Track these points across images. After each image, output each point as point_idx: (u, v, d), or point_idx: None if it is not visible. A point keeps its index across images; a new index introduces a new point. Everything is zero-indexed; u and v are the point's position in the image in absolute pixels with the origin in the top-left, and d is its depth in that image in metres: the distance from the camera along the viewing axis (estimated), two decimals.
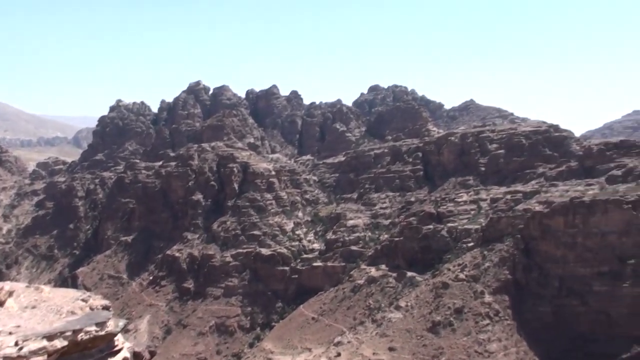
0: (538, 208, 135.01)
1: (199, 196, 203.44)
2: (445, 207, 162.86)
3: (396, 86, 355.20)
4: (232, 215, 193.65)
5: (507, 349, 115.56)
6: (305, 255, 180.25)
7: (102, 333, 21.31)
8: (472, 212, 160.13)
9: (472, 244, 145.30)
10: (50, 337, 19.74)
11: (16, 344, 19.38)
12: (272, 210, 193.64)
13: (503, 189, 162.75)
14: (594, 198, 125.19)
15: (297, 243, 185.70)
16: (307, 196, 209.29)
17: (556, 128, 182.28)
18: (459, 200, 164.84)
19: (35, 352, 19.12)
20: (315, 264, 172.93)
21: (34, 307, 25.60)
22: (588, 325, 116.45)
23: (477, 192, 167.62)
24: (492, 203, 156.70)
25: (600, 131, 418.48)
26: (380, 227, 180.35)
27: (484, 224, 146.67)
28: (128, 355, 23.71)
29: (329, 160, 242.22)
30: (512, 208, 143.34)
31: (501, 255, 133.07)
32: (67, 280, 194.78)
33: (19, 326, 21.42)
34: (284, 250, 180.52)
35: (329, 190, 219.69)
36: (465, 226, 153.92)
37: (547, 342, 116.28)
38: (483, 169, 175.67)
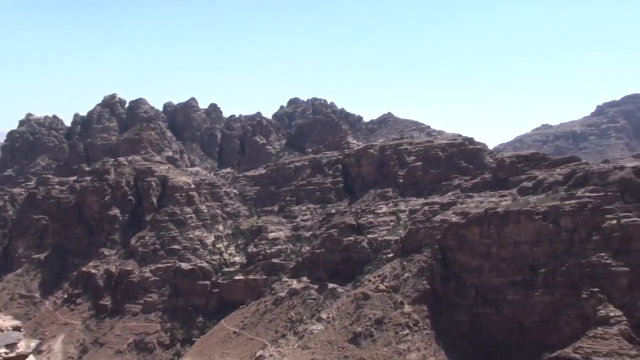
0: (454, 219, 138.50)
1: (115, 211, 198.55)
2: (365, 218, 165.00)
3: (315, 99, 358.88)
4: (150, 229, 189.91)
5: (425, 358, 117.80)
6: (226, 269, 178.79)
7: (13, 355, 20.63)
8: (392, 223, 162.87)
9: (391, 254, 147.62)
10: None
11: None
12: (192, 224, 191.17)
13: (421, 201, 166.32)
14: (507, 209, 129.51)
15: (218, 256, 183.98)
16: (228, 209, 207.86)
17: (471, 141, 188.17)
18: (379, 211, 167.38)
19: None
20: (236, 278, 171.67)
21: None
22: (502, 333, 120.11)
23: (396, 203, 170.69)
24: (411, 214, 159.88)
25: (512, 144, 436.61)
26: (301, 239, 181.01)
27: (402, 235, 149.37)
28: None
29: (250, 173, 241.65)
30: (430, 219, 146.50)
31: (420, 265, 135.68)
32: None
33: None
34: (205, 264, 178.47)
35: (249, 203, 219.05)
36: (385, 237, 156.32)
37: (464, 350, 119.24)
38: (401, 180, 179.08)
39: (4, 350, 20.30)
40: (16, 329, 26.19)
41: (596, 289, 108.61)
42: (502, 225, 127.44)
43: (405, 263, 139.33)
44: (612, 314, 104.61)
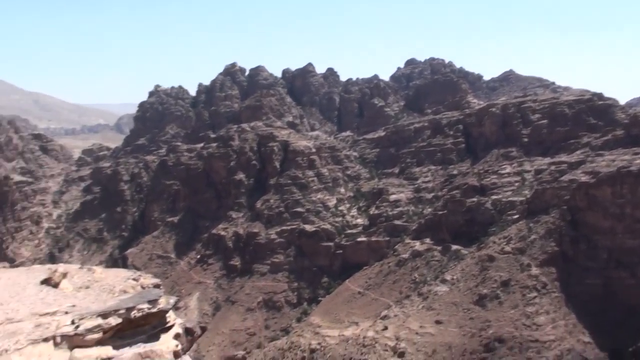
0: (584, 178, 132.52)
1: (241, 176, 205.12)
2: (488, 179, 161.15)
3: (433, 59, 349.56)
4: (274, 193, 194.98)
5: (555, 321, 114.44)
6: (349, 231, 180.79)
7: (155, 310, 21.89)
8: (516, 183, 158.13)
9: (517, 216, 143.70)
10: (104, 315, 20.39)
11: (72, 322, 20.09)
12: (314, 187, 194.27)
13: (547, 160, 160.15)
14: None
15: (340, 219, 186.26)
16: (349, 172, 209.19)
17: (600, 96, 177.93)
18: (503, 172, 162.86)
19: (91, 330, 19.78)
20: (359, 239, 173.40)
21: (87, 287, 26.43)
22: (638, 298, 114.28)
23: (521, 163, 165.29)
24: (537, 174, 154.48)
25: None
26: (423, 201, 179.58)
27: (528, 196, 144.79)
28: (180, 331, 24.33)
29: (369, 136, 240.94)
30: (557, 179, 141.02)
31: (547, 227, 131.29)
32: (117, 262, 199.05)
33: (74, 305, 22.17)
34: (328, 226, 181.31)
35: (370, 166, 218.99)
36: (510, 198, 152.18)
37: (597, 314, 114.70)
38: (526, 140, 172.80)
39: (146, 305, 21.60)
40: (156, 286, 27.86)
41: None
42: (636, 185, 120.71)
43: (531, 225, 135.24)
44: None
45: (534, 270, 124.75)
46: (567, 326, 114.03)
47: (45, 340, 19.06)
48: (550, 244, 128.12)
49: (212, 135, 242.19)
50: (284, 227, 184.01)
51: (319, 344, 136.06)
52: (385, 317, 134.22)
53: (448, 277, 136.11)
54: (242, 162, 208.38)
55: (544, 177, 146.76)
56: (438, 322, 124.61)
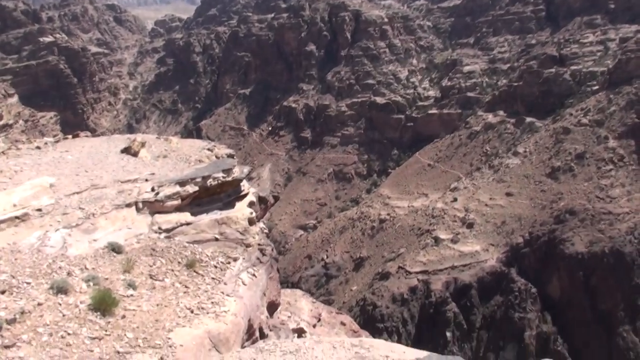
0: None
1: (312, 47, 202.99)
2: (569, 49, 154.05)
3: None
4: (345, 65, 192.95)
5: (630, 194, 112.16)
6: (420, 103, 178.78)
7: (229, 179, 22.74)
8: (599, 53, 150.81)
9: (597, 87, 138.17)
10: (182, 183, 21.32)
11: (152, 189, 21.12)
12: (385, 59, 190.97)
13: (634, 27, 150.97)
14: None
15: (411, 91, 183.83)
16: (422, 43, 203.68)
17: None
18: (585, 41, 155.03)
19: (170, 197, 20.80)
20: (430, 112, 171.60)
21: (165, 157, 27.52)
22: None
23: (605, 31, 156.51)
24: (621, 43, 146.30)
25: None
26: (498, 72, 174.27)
27: (611, 66, 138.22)
28: (254, 199, 25.29)
29: (444, 4, 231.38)
30: None
31: (629, 98, 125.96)
32: (192, 132, 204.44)
33: (153, 173, 23.22)
34: (399, 99, 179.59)
35: (444, 36, 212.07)
36: (590, 69, 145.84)
37: None
38: (612, 6, 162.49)
39: (221, 174, 22.41)
40: (230, 156, 28.76)
41: None
42: None
43: (612, 96, 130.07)
44: None
45: (612, 143, 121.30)
46: None
47: (128, 205, 20.21)
48: (631, 115, 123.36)
49: (283, 5, 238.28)
50: (355, 100, 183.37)
51: (388, 214, 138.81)
52: (454, 189, 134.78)
53: (520, 150, 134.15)
54: (313, 32, 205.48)
55: (629, 46, 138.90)
56: (508, 194, 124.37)
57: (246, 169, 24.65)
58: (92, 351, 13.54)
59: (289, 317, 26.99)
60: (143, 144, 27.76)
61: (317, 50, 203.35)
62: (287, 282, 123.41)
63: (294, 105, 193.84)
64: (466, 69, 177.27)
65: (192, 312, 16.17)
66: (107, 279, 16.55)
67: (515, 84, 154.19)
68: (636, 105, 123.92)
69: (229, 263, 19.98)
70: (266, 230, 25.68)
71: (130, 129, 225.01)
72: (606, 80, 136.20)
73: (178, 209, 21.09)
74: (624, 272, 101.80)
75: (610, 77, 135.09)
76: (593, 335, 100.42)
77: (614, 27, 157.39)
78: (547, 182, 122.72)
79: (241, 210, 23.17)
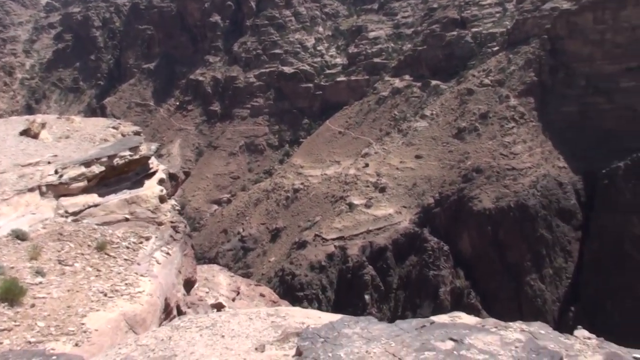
0: (566, 6, 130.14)
1: (216, 17, 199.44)
2: (469, 11, 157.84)
3: None
4: (251, 35, 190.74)
5: (532, 149, 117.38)
6: (328, 71, 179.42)
7: (137, 157, 22.21)
8: (497, 15, 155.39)
9: (497, 48, 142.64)
10: (87, 164, 20.65)
11: (56, 172, 20.36)
12: (291, 27, 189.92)
13: None
14: None
15: (319, 59, 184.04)
16: (327, 10, 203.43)
17: None
18: (484, 3, 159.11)
19: (75, 179, 20.12)
20: (338, 79, 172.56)
21: (67, 137, 26.52)
22: (613, 122, 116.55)
23: None
24: (518, 4, 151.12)
25: None
26: (402, 37, 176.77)
27: (509, 27, 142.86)
28: (164, 176, 24.82)
29: None
30: (539, 7, 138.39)
31: (527, 57, 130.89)
32: (95, 111, 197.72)
33: (56, 155, 22.36)
34: (307, 67, 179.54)
35: (348, 2, 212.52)
36: (490, 30, 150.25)
37: (572, 141, 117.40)
38: None
39: (128, 152, 21.85)
40: (136, 134, 28.02)
41: None
42: (618, 9, 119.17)
43: (511, 56, 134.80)
44: None
45: (513, 101, 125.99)
46: (544, 153, 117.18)
47: (31, 190, 19.42)
48: (530, 74, 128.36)
49: None
50: (263, 70, 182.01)
51: (302, 183, 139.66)
52: (366, 155, 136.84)
53: (427, 113, 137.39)
54: (217, 3, 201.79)
55: (525, 7, 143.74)
56: (418, 157, 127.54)
57: (154, 146, 24.16)
58: (1, 343, 13.08)
59: (207, 292, 26.86)
60: (43, 125, 26.64)
61: (222, 20, 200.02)
62: (204, 258, 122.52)
63: (201, 78, 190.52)
64: (371, 35, 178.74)
65: (105, 295, 15.82)
66: (12, 267, 15.95)
67: (420, 48, 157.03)
68: (534, 64, 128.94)
69: (141, 243, 19.61)
70: (178, 207, 25.31)
71: (29, 110, 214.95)
72: (505, 40, 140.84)
73: (85, 190, 20.46)
74: (529, 224, 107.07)
75: (509, 37, 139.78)
76: (503, 287, 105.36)
77: None
78: (454, 142, 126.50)
79: (151, 189, 22.73)
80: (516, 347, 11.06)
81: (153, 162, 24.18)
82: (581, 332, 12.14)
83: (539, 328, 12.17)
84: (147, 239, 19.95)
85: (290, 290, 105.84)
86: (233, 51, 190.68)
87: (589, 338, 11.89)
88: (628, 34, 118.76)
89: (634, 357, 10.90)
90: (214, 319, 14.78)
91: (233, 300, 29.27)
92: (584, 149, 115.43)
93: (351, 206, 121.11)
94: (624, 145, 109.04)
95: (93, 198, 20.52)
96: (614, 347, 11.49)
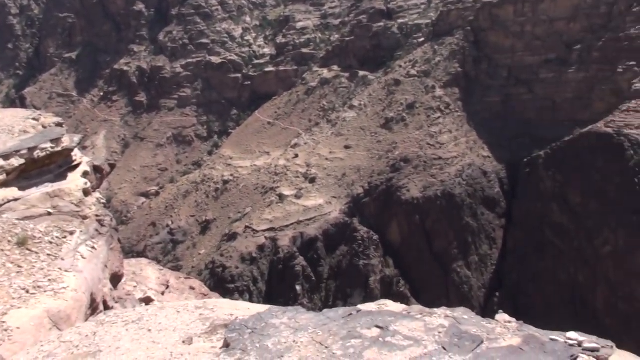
0: None
1: (140, 6, 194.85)
2: (395, 2, 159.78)
3: None
4: (177, 24, 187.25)
5: (457, 139, 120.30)
6: (256, 61, 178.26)
7: (58, 149, 21.46)
8: (423, 6, 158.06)
9: (422, 39, 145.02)
10: (6, 157, 19.83)
11: None
12: (218, 17, 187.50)
13: None
14: None
15: (247, 49, 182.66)
16: None
17: None
18: None
19: None
20: (267, 69, 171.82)
21: None
22: (535, 112, 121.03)
23: None
24: None
25: None
26: (330, 28, 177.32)
27: (434, 18, 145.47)
28: (88, 169, 24.08)
29: None
30: (462, 0, 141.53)
31: (451, 48, 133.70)
32: (15, 102, 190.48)
33: None
34: (235, 57, 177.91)
35: None
36: (416, 21, 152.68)
37: (496, 130, 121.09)
38: None
39: (49, 145, 21.12)
40: (58, 125, 27.05)
41: (632, 63, 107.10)
42: (537, 2, 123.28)
43: (436, 47, 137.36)
44: None
45: (438, 92, 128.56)
46: (469, 143, 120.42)
47: None
48: (454, 65, 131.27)
49: None
50: (190, 60, 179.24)
51: (231, 175, 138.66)
52: (295, 146, 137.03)
53: (356, 103, 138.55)
54: None
55: None
56: (347, 147, 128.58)
57: (77, 138, 23.42)
58: None
59: (135, 287, 26.29)
60: None
61: (147, 9, 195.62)
62: (132, 252, 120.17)
63: (125, 68, 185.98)
64: (299, 25, 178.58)
65: (27, 292, 15.28)
66: None
67: (347, 38, 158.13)
68: (458, 55, 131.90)
69: (65, 237, 19.00)
70: (104, 200, 24.64)
71: None
72: (430, 32, 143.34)
73: (4, 184, 19.66)
74: (455, 213, 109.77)
75: (434, 29, 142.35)
76: (431, 274, 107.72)
77: None
78: (382, 132, 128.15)
79: (75, 182, 22.04)
80: (439, 332, 11.53)
81: (76, 155, 23.44)
82: (502, 317, 12.61)
83: (462, 313, 12.64)
84: (72, 233, 19.35)
85: (221, 283, 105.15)
86: (159, 40, 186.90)
87: (510, 322, 12.35)
88: (546, 26, 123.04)
89: (551, 339, 11.35)
90: (141, 313, 14.53)
91: (162, 294, 28.79)
92: (507, 138, 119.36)
93: (281, 197, 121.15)
94: (545, 134, 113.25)
95: (13, 192, 19.75)
96: (532, 330, 11.97)
